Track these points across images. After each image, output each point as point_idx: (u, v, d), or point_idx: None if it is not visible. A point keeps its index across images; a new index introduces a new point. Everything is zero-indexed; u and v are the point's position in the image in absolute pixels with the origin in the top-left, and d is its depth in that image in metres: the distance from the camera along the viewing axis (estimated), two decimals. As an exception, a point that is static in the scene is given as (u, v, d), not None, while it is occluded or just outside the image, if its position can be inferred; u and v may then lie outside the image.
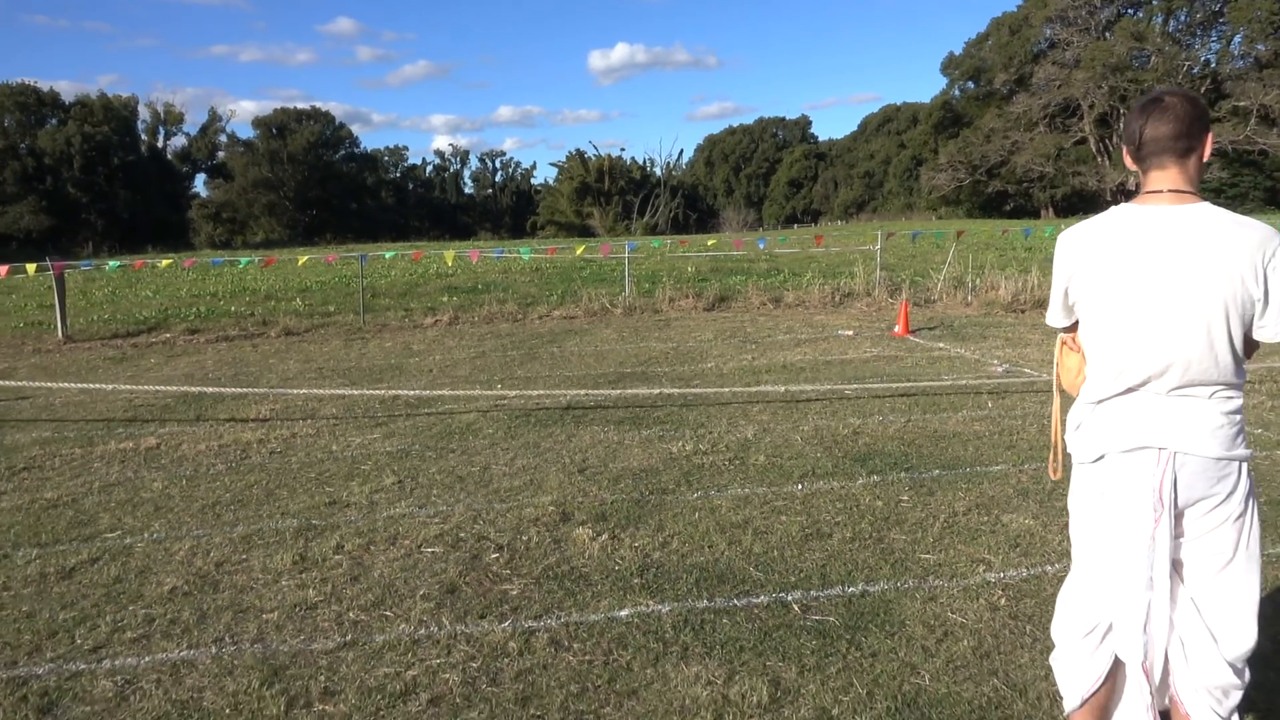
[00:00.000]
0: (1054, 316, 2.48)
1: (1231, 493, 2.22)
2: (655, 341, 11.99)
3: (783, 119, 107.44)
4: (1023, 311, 13.83)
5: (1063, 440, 2.54)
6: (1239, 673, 2.26)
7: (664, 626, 3.57)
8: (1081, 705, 2.43)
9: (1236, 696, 2.27)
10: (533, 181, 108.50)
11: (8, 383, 9.60)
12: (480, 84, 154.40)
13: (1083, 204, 60.60)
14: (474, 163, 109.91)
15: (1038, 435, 6.36)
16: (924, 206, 75.42)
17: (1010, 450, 6.00)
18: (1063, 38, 64.33)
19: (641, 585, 3.98)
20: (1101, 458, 2.31)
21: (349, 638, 3.54)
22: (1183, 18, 63.35)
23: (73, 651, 3.49)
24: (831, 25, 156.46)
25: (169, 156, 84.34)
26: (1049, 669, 2.66)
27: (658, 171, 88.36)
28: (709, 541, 4.48)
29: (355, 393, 8.56)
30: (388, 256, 18.27)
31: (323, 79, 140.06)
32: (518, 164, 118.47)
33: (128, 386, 9.16)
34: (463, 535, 4.68)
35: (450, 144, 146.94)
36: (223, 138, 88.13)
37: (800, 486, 5.34)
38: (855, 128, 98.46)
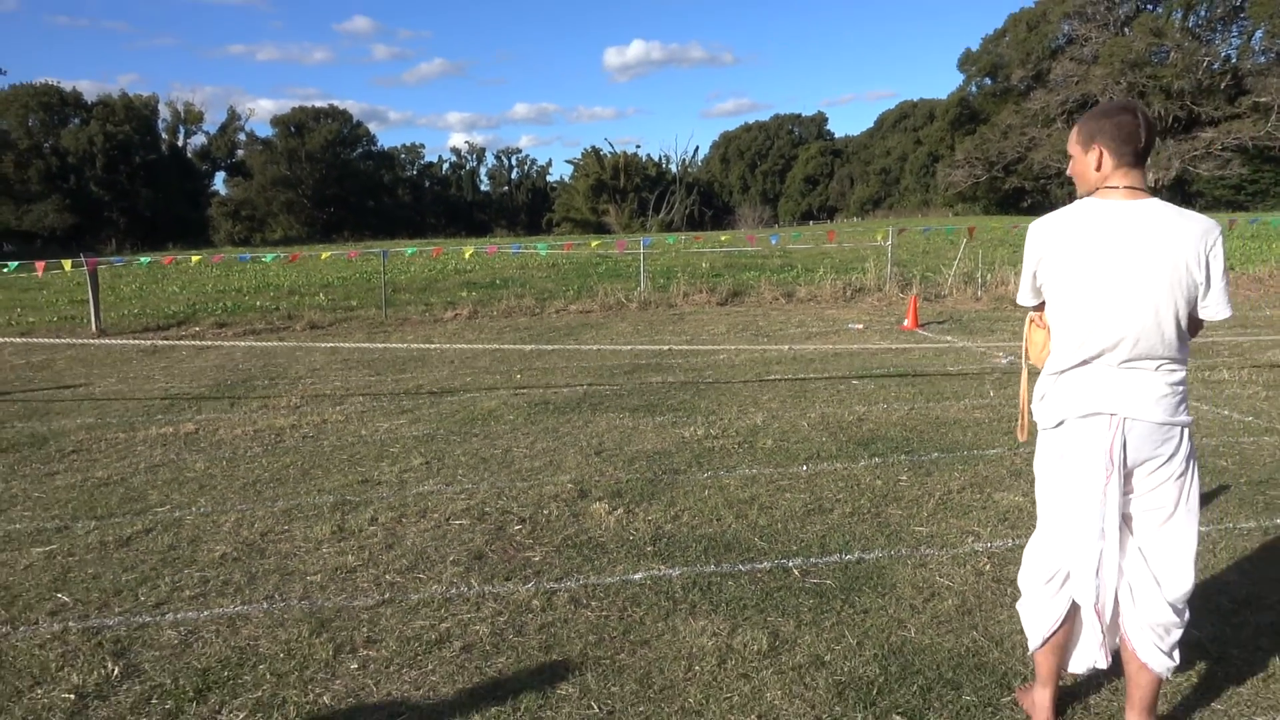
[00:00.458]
0: (1023, 296, 2.78)
1: (1174, 454, 2.52)
2: (669, 335, 12.31)
3: (799, 116, 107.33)
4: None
5: (1030, 409, 2.84)
6: (1179, 612, 2.56)
7: (674, 587, 3.89)
8: (1043, 644, 2.73)
9: (1177, 634, 2.57)
10: (548, 179, 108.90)
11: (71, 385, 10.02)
12: (496, 81, 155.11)
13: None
14: (490, 160, 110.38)
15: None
16: (940, 203, 75.33)
17: (1007, 435, 6.28)
18: (1081, 34, 64.13)
19: (654, 553, 4.30)
20: (1061, 423, 2.61)
21: (387, 596, 3.88)
22: (1202, 13, 63.02)
23: (137, 607, 3.85)
24: (848, 22, 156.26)
25: (189, 155, 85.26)
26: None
27: (673, 168, 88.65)
28: (717, 515, 4.80)
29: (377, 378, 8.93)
30: (409, 253, 18.64)
31: (340, 77, 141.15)
32: (533, 161, 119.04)
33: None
34: (488, 509, 5.01)
35: (466, 141, 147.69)
36: (241, 136, 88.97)
37: (805, 468, 5.65)
38: (871, 124, 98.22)
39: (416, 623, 3.62)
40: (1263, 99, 57.53)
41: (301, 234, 78.66)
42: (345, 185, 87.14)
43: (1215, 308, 2.48)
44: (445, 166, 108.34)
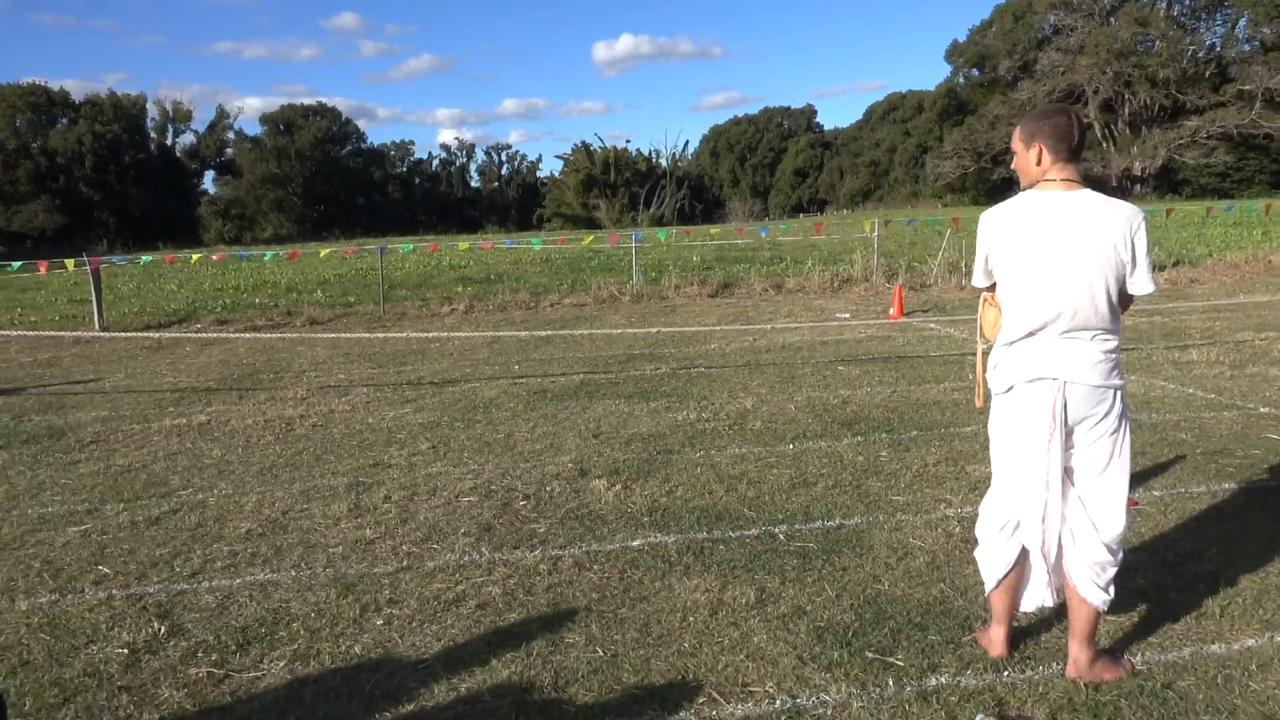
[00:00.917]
0: (977, 279, 3.12)
1: (1108, 413, 2.86)
2: (662, 325, 12.65)
3: (788, 109, 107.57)
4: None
5: (984, 378, 3.18)
6: (1114, 553, 2.91)
7: (669, 552, 4.22)
8: (997, 586, 3.08)
9: (1112, 571, 2.92)
10: (539, 175, 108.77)
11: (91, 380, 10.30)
12: (485, 77, 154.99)
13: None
14: (480, 156, 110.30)
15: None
16: (929, 194, 75.62)
17: (983, 414, 6.62)
18: (1067, 24, 64.62)
19: (650, 523, 4.63)
20: (1011, 388, 2.96)
21: (405, 564, 4.21)
22: (1187, 2, 63.59)
23: (174, 577, 4.17)
24: (836, 13, 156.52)
25: (178, 154, 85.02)
26: (980, 567, 3.31)
27: (663, 163, 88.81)
28: (709, 490, 5.13)
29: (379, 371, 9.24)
30: (404, 250, 18.92)
31: (328, 74, 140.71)
32: (524, 157, 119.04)
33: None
34: (494, 488, 5.34)
35: (456, 138, 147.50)
36: (230, 135, 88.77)
37: (791, 446, 5.99)
38: (860, 116, 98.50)
39: (434, 585, 3.95)
40: (1247, 87, 58.11)
41: (292, 232, 78.53)
42: (335, 183, 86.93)
43: (1141, 283, 2.84)
44: (435, 163, 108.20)
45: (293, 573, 4.14)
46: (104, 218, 69.57)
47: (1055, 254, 2.81)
